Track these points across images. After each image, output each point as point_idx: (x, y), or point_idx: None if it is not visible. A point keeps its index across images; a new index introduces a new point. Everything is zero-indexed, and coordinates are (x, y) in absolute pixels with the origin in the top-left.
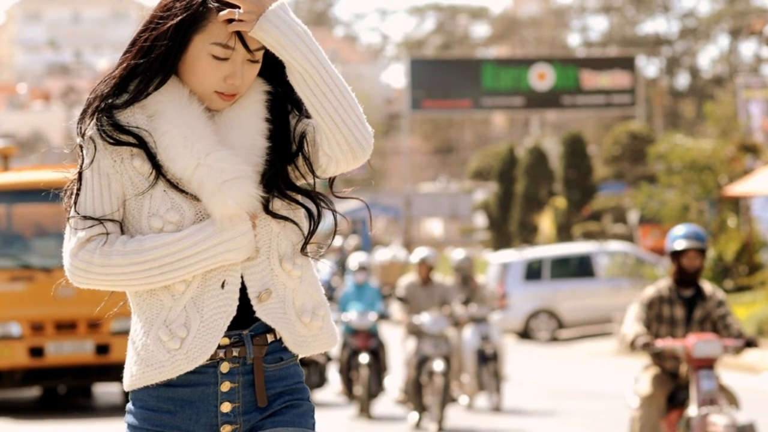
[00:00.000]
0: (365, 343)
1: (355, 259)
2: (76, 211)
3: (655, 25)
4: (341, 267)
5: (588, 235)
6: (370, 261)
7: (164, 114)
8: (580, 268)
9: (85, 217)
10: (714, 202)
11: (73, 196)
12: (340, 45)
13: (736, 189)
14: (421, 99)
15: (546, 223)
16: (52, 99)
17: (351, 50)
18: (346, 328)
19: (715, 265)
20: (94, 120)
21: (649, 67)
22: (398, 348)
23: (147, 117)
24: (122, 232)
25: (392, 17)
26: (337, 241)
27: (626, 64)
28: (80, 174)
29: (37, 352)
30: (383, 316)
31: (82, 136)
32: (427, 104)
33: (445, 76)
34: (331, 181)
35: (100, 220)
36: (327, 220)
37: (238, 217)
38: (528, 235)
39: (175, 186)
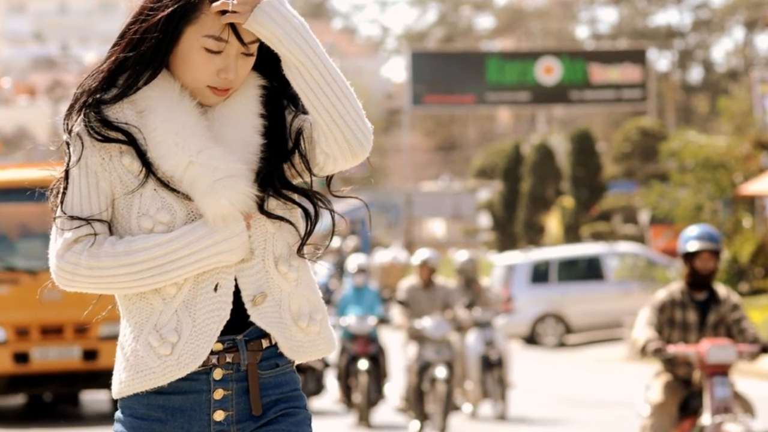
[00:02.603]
0: (364, 349)
1: (353, 261)
2: (62, 210)
3: (666, 17)
4: (339, 269)
5: (597, 236)
6: (369, 263)
7: (154, 110)
8: (589, 270)
9: (72, 217)
10: (728, 201)
11: (60, 195)
12: (338, 38)
13: (752, 188)
14: (422, 94)
15: (553, 223)
16: (37, 94)
17: (350, 43)
18: (344, 333)
19: (729, 267)
20: (82, 116)
21: (661, 60)
22: (399, 353)
23: (136, 113)
24: (111, 232)
25: (392, 8)
26: (335, 242)
27: (637, 57)
28: (67, 172)
29: (21, 357)
30: (383, 321)
31: (69, 132)
32: (429, 99)
33: (448, 70)
34: (329, 179)
35: (88, 221)
36: (324, 221)
37: (232, 217)
38: (534, 236)
39: (165, 185)
